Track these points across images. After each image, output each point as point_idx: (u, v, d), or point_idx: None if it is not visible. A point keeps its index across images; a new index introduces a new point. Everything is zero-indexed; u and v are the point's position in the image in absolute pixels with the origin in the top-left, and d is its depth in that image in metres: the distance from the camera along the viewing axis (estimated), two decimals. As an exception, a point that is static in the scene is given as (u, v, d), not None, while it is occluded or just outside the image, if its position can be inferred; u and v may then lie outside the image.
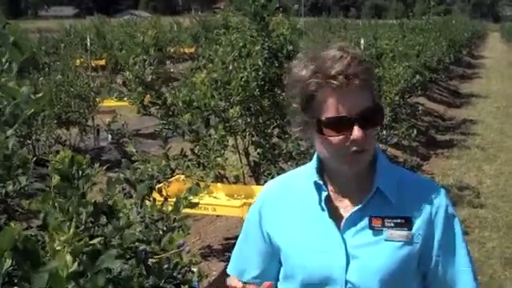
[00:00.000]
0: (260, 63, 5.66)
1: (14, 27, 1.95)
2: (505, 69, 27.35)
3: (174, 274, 2.04)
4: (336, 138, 1.59)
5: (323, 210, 1.68)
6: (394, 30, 16.77)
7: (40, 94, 2.02)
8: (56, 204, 1.68)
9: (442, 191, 1.73)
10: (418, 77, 11.52)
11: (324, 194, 1.69)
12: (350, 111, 1.56)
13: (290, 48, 5.96)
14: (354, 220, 1.66)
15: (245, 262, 1.87)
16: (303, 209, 1.73)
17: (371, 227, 1.65)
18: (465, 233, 1.74)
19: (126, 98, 6.35)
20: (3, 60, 1.99)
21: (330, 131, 1.59)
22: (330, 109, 1.57)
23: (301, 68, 1.62)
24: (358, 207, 1.66)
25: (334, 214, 1.68)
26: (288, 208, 1.77)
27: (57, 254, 1.36)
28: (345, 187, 1.70)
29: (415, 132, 9.55)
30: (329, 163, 1.69)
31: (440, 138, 12.34)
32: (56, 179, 1.77)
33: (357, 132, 1.55)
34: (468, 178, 9.12)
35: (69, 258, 1.35)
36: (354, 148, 1.58)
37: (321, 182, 1.70)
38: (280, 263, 1.80)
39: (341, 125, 1.57)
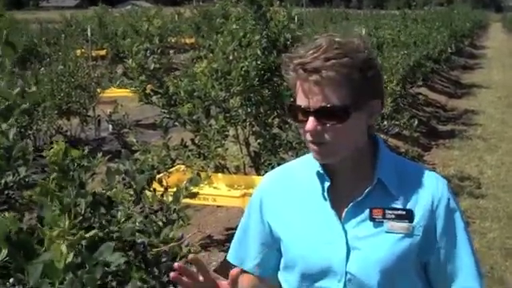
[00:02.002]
0: (259, 52, 5.64)
1: (7, 21, 1.92)
2: (506, 59, 27.26)
3: (173, 265, 2.04)
4: (300, 125, 1.62)
5: (325, 199, 1.67)
6: (396, 20, 16.72)
7: (32, 89, 2.00)
8: (53, 197, 1.67)
9: (444, 182, 1.71)
10: (412, 59, 11.47)
11: (327, 184, 1.68)
12: (308, 102, 1.56)
13: (288, 36, 5.94)
14: (354, 211, 1.65)
15: (245, 250, 1.87)
16: (305, 199, 1.72)
17: (372, 219, 1.63)
18: (466, 223, 1.73)
19: (128, 87, 6.35)
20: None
21: (292, 117, 1.64)
22: (297, 96, 1.60)
23: (293, 51, 1.64)
24: (358, 198, 1.65)
25: (336, 205, 1.67)
26: (289, 198, 1.76)
27: (52, 245, 1.35)
28: (346, 177, 1.69)
29: (416, 122, 9.54)
30: None
31: (441, 128, 12.33)
32: (54, 174, 1.76)
33: (309, 124, 1.56)
34: (469, 169, 9.10)
35: (64, 249, 1.34)
36: (310, 139, 1.59)
37: (323, 172, 1.69)
38: (280, 253, 1.79)
39: (299, 114, 1.59)
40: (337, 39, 1.58)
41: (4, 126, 1.89)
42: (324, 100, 1.54)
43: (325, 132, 1.56)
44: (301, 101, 1.58)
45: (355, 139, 1.64)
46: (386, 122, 8.69)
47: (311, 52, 1.55)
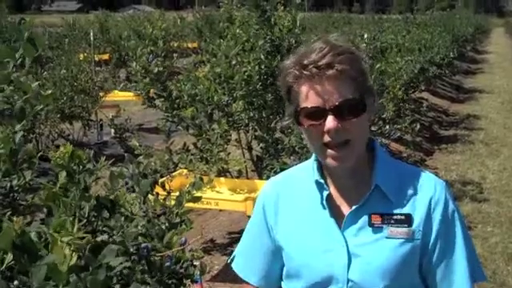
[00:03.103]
0: (262, 57, 5.65)
1: (29, 23, 1.96)
2: (509, 64, 27.25)
3: (176, 269, 2.04)
4: (313, 129, 1.59)
5: (324, 208, 1.67)
6: (398, 25, 16.72)
7: (49, 92, 2.03)
8: (59, 201, 1.68)
9: (442, 185, 1.70)
10: (418, 66, 11.48)
11: (325, 192, 1.68)
12: (323, 101, 1.54)
13: (292, 41, 5.95)
14: (353, 218, 1.65)
15: (251, 261, 1.86)
16: (305, 208, 1.72)
17: (371, 225, 1.63)
18: (468, 228, 1.72)
19: (132, 89, 6.35)
20: (17, 55, 2.00)
21: (306, 121, 1.59)
22: (305, 99, 1.58)
23: (288, 59, 1.63)
24: (357, 205, 1.65)
25: (336, 213, 1.67)
26: (289, 206, 1.76)
27: (55, 247, 1.36)
28: (344, 184, 1.69)
29: (418, 126, 9.53)
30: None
31: (444, 133, 12.33)
32: (62, 177, 1.77)
33: (330, 123, 1.54)
34: (471, 174, 9.10)
35: (67, 251, 1.34)
36: (329, 140, 1.57)
37: (322, 181, 1.69)
38: (283, 263, 1.78)
39: (315, 115, 1.56)
40: (334, 39, 1.60)
41: (18, 127, 1.92)
42: (341, 95, 1.54)
43: (344, 129, 1.56)
44: (313, 102, 1.56)
45: (365, 139, 1.65)
46: (387, 127, 8.68)
47: (317, 51, 1.55)
